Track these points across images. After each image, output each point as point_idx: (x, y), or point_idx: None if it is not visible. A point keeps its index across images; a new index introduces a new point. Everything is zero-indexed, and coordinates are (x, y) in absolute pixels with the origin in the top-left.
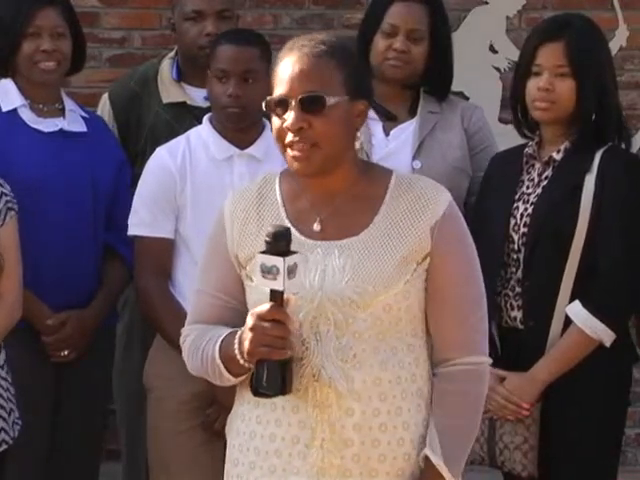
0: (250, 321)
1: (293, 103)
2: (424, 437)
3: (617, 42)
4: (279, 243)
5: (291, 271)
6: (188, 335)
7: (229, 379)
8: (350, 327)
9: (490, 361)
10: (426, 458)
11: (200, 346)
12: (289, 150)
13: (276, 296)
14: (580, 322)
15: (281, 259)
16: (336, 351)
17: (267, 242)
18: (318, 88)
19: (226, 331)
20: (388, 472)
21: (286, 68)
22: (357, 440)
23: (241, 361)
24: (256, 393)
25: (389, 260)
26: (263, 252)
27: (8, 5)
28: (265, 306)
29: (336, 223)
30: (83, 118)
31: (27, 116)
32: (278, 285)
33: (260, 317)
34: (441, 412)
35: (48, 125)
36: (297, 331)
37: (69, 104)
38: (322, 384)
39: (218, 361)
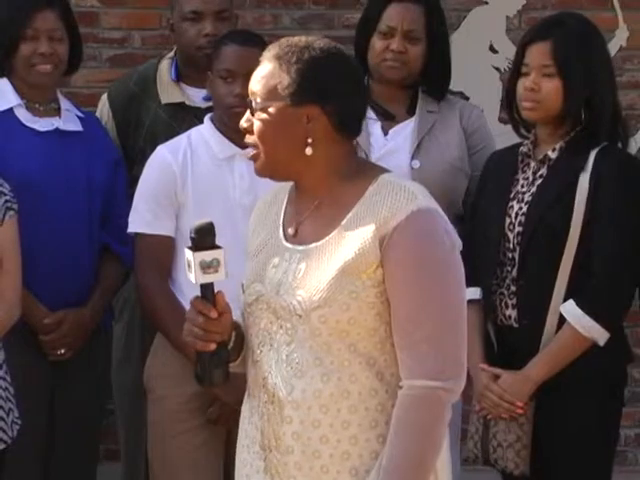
0: (188, 309)
1: (249, 101)
2: (377, 453)
3: (617, 42)
4: (200, 238)
5: (207, 266)
6: None
7: None
8: (296, 335)
9: (449, 385)
10: None
11: None
12: None
13: (203, 289)
14: (574, 321)
15: (192, 254)
16: (284, 358)
17: (190, 237)
18: (258, 92)
19: None
20: None
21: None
22: (297, 449)
23: None
24: (196, 380)
25: (329, 270)
26: (188, 247)
27: (6, 6)
28: (193, 296)
29: (308, 228)
30: (79, 117)
31: (23, 115)
32: (192, 278)
33: (190, 306)
34: (389, 441)
35: (44, 124)
36: (260, 331)
37: (65, 104)
38: (268, 389)
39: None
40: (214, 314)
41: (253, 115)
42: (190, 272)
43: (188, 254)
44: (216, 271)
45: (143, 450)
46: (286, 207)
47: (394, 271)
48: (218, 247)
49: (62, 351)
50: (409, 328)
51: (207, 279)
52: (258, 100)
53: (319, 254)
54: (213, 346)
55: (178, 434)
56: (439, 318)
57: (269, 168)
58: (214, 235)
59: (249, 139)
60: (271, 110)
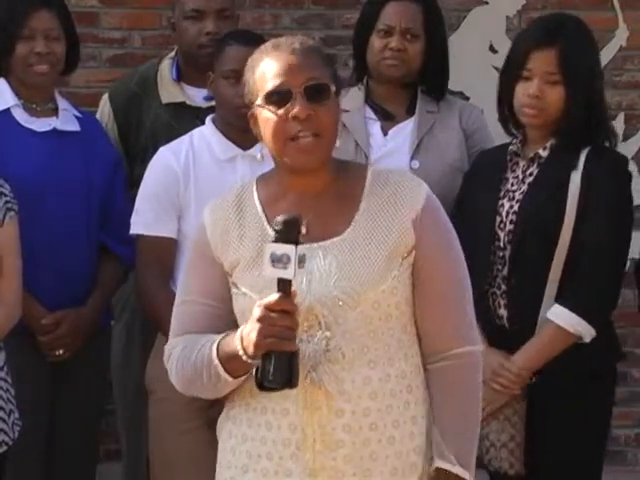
0: (257, 312)
1: (297, 93)
2: (413, 434)
3: (617, 42)
4: (290, 231)
5: (301, 260)
6: (174, 347)
7: (227, 381)
8: (340, 327)
9: (482, 348)
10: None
11: (192, 354)
12: (293, 143)
13: (284, 286)
14: (559, 319)
15: (293, 247)
16: (326, 353)
17: (277, 231)
18: (319, 77)
19: (221, 335)
20: (382, 471)
21: (279, 63)
22: (348, 441)
23: (244, 357)
24: (261, 387)
25: (375, 257)
26: (273, 241)
27: (3, 6)
28: (274, 296)
29: (319, 224)
30: (76, 117)
31: (20, 116)
32: (289, 274)
33: (268, 307)
34: (443, 415)
35: (41, 125)
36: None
37: (62, 104)
38: (312, 386)
39: (216, 362)
40: (297, 311)
41: (313, 102)
42: (285, 267)
43: (284, 248)
44: (304, 266)
45: (144, 450)
46: (265, 211)
47: (430, 249)
48: (302, 242)
49: (60, 352)
50: (451, 299)
51: (299, 274)
52: (322, 82)
53: (349, 246)
54: (297, 345)
55: (179, 434)
56: (468, 286)
57: (324, 158)
58: (300, 229)
59: (306, 129)
60: (333, 95)
